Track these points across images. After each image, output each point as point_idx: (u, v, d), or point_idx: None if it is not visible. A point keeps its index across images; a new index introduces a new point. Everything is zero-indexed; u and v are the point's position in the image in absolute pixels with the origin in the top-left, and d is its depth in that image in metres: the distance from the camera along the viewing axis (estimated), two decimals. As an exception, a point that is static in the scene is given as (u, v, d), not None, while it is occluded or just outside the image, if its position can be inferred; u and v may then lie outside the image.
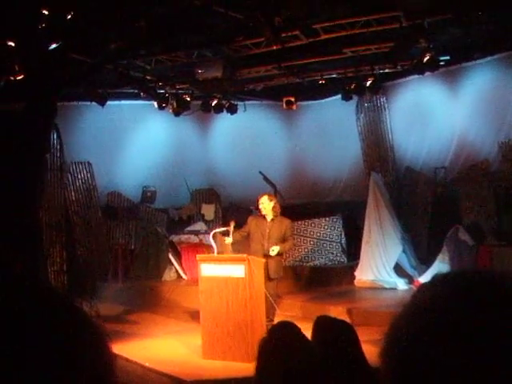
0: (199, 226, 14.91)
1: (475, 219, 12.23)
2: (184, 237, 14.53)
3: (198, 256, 8.90)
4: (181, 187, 15.82)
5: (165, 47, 11.33)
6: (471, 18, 9.80)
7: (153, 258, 14.39)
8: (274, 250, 8.99)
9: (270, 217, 9.29)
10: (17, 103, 11.51)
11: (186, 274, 13.98)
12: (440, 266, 11.74)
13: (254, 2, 8.73)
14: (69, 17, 8.08)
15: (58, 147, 13.77)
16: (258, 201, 9.44)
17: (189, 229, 14.77)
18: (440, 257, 11.81)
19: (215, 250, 9.29)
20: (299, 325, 9.73)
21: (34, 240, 12.19)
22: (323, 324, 4.36)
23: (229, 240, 9.19)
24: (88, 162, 14.67)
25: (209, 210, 15.82)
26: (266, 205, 9.28)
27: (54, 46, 8.83)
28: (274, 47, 10.70)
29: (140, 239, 14.74)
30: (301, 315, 11.06)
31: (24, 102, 11.57)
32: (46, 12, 8.19)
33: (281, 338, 3.40)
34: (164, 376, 8.01)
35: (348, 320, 10.39)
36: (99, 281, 14.13)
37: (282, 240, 9.25)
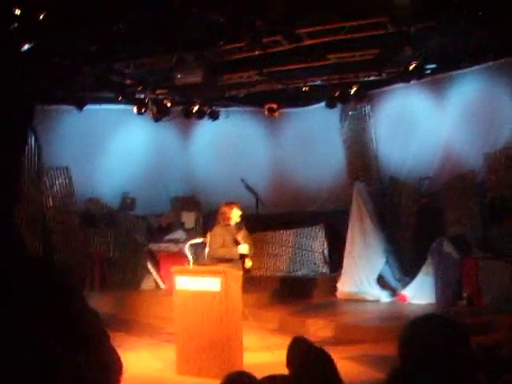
0: (179, 234, 14.60)
1: (460, 231, 11.97)
2: (163, 245, 14.23)
3: (173, 268, 8.59)
4: (161, 194, 15.52)
5: (143, 51, 11.04)
6: (458, 25, 9.62)
7: (131, 266, 14.10)
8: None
9: (232, 224, 9.11)
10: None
11: (164, 284, 13.67)
12: (424, 278, 11.55)
13: (235, 5, 8.44)
14: (41, 17, 7.77)
15: (36, 151, 13.47)
16: (226, 212, 9.08)
17: (168, 237, 14.45)
18: (424, 269, 11.61)
19: (191, 262, 9.00)
20: (277, 338, 9.41)
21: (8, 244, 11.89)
22: (298, 351, 4.18)
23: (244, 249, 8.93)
24: (66, 167, 14.32)
25: (189, 218, 15.50)
26: (239, 214, 9.12)
27: (26, 46, 8.52)
28: (256, 52, 10.45)
29: (118, 247, 14.39)
30: (278, 327, 10.81)
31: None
32: (18, 11, 7.88)
33: None
34: (135, 393, 7.67)
35: (329, 334, 10.20)
36: (75, 288, 13.79)
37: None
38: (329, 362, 3.93)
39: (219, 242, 8.83)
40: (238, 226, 9.10)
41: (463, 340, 2.39)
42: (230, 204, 9.18)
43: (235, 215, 9.04)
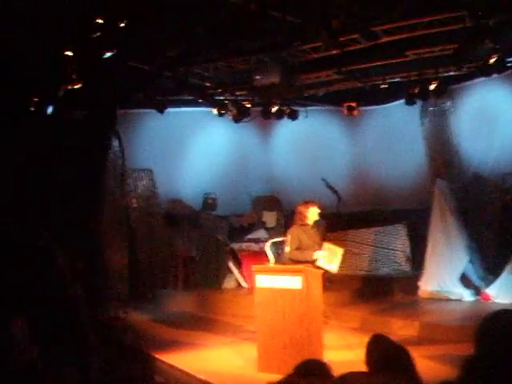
0: (260, 233, 14.74)
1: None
2: (245, 244, 14.41)
3: (254, 267, 8.68)
4: (242, 194, 15.69)
5: (222, 54, 11.21)
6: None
7: (213, 265, 14.31)
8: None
9: (310, 224, 9.06)
10: (78, 112, 11.62)
11: (246, 283, 13.83)
12: (508, 277, 11.24)
13: (311, 6, 8.48)
14: (122, 25, 8.03)
15: (120, 154, 13.84)
16: (302, 211, 9.04)
17: (249, 236, 14.62)
18: (508, 268, 11.30)
19: (271, 261, 9.08)
20: (358, 337, 9.32)
21: (94, 245, 12.29)
22: (377, 347, 4.16)
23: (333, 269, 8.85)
24: (149, 170, 14.67)
25: (270, 218, 15.63)
26: (317, 212, 9.05)
27: (108, 54, 8.81)
28: (334, 51, 10.44)
29: (201, 247, 14.65)
30: (359, 326, 10.74)
31: (85, 111, 11.67)
32: (101, 21, 8.17)
33: (307, 377, 3.25)
34: (218, 390, 7.84)
35: (411, 333, 10.09)
36: (159, 287, 14.14)
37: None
38: (408, 360, 3.89)
39: (295, 243, 8.81)
40: (317, 225, 9.09)
41: None
42: (306, 203, 9.12)
43: (312, 214, 8.98)
